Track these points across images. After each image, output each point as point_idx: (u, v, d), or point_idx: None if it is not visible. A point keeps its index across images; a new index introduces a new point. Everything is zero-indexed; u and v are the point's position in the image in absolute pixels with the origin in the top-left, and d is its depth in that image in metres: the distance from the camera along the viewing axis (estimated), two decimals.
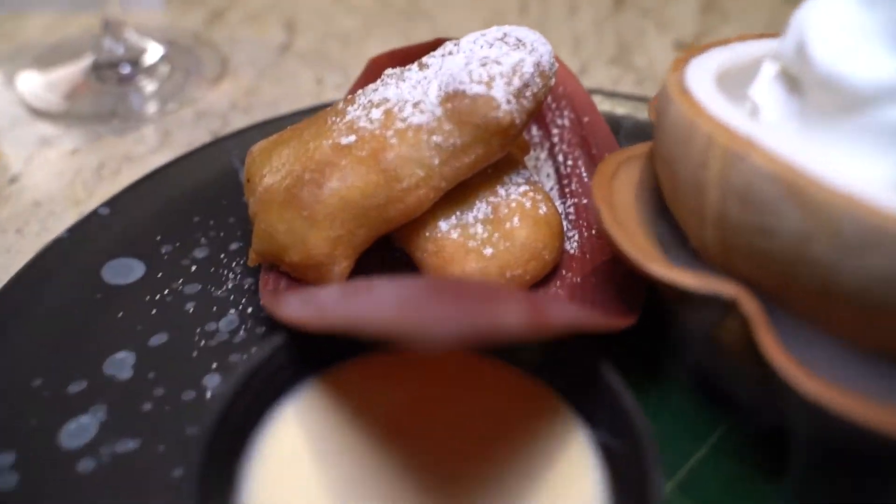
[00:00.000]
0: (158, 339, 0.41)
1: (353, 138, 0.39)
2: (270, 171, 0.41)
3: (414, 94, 0.40)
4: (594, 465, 0.31)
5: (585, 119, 0.49)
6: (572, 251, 0.44)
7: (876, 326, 0.28)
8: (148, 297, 0.43)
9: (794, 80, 0.32)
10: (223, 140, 0.54)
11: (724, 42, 0.38)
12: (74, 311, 0.42)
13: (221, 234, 0.48)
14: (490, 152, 0.39)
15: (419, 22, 0.80)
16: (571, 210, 0.46)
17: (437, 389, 0.34)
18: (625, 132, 0.56)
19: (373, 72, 0.52)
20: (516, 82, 0.38)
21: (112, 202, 0.48)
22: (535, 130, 0.51)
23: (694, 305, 0.32)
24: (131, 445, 0.36)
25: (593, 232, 0.44)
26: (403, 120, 0.39)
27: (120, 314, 0.42)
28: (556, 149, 0.49)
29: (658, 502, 0.27)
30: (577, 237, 0.45)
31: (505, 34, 0.40)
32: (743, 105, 0.35)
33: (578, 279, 0.42)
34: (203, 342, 0.41)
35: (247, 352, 0.40)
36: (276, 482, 0.31)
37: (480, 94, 0.37)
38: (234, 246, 0.47)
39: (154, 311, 0.42)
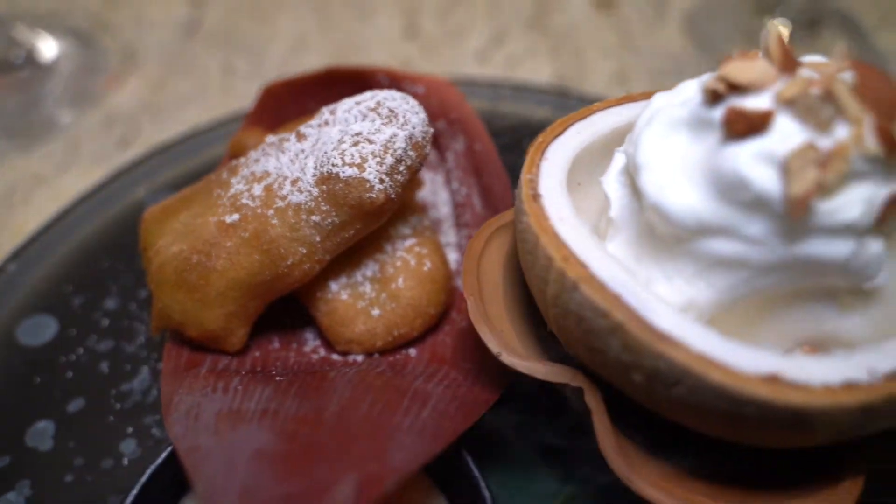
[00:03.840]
0: (76, 405, 0.44)
1: (236, 217, 0.40)
2: (162, 244, 0.42)
3: (292, 169, 0.40)
4: None
5: (477, 147, 0.50)
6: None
7: (688, 422, 0.32)
8: (63, 359, 0.46)
9: (636, 186, 0.34)
10: (127, 171, 0.54)
11: (586, 113, 0.38)
12: None
13: (131, 279, 0.49)
14: (369, 225, 0.41)
15: None
16: (465, 242, 0.48)
17: None
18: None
19: (267, 102, 0.52)
20: (389, 160, 0.39)
21: (19, 256, 0.49)
22: (432, 155, 0.52)
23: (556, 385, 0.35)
24: None
25: None
26: (283, 198, 0.40)
27: (37, 380, 0.45)
28: (451, 175, 0.51)
29: None
30: None
31: (378, 103, 0.41)
32: (592, 193, 0.36)
33: (466, 324, 0.44)
34: (118, 405, 0.44)
35: (159, 412, 0.43)
36: None
37: (353, 177, 0.39)
38: (143, 294, 0.49)
39: (70, 375, 0.45)
